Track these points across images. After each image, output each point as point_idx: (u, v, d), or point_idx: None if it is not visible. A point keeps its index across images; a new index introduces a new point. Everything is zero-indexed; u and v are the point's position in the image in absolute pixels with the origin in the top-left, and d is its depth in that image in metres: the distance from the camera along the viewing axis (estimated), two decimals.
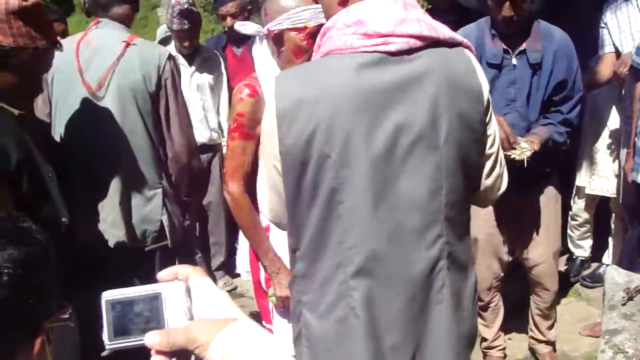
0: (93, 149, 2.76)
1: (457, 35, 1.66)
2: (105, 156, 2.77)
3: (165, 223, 2.89)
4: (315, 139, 1.55)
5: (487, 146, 1.72)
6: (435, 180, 1.58)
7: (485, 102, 1.67)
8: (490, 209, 3.15)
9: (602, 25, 3.57)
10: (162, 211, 2.87)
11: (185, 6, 4.27)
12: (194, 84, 4.62)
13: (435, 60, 1.58)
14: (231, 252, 4.68)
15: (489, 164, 1.75)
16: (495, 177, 1.78)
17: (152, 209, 2.86)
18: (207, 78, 4.59)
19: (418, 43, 1.56)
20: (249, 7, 4.69)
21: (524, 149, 2.82)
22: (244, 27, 2.46)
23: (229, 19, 4.46)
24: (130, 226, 2.81)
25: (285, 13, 2.31)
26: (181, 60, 4.62)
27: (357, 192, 1.56)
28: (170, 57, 2.89)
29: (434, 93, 1.57)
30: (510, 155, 2.78)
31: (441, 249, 1.62)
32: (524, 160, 2.81)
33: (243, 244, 2.62)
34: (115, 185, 2.78)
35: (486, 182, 1.77)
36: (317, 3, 2.30)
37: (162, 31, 5.52)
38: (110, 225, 2.77)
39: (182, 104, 2.93)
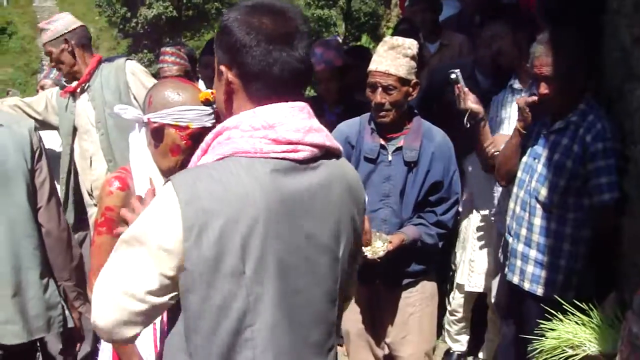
0: None
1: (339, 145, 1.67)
2: None
3: (65, 305, 2.87)
4: (228, 254, 1.41)
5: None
6: (333, 292, 1.58)
7: (365, 211, 1.73)
8: (362, 303, 3.18)
9: (495, 115, 3.66)
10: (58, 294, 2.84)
11: None
12: None
13: (334, 170, 1.59)
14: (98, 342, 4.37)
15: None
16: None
17: (51, 293, 2.80)
18: None
19: (318, 153, 1.55)
20: None
21: (378, 249, 2.86)
22: (125, 111, 2.35)
23: None
24: (27, 319, 2.73)
25: (169, 108, 2.24)
26: (53, 131, 4.46)
27: (268, 311, 1.46)
28: (36, 128, 2.82)
29: (337, 203, 1.58)
30: (363, 253, 2.82)
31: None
32: (375, 259, 2.86)
33: (106, 345, 2.42)
34: (4, 279, 2.68)
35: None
36: (206, 104, 2.22)
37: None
38: (4, 322, 2.67)
39: (51, 174, 2.84)
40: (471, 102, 3.27)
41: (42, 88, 4.62)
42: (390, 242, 2.89)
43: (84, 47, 3.90)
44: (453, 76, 3.32)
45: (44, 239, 2.78)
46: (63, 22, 3.86)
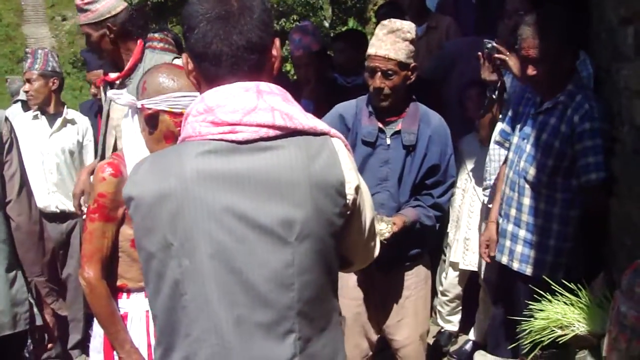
0: None
1: (322, 125, 1.61)
2: None
3: (33, 302, 2.71)
4: (158, 227, 1.53)
5: (359, 230, 1.69)
6: (285, 276, 1.53)
7: (350, 195, 1.61)
8: (358, 287, 3.16)
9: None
10: (27, 289, 2.69)
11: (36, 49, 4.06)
12: (52, 146, 4.38)
13: (292, 151, 1.54)
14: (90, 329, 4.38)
15: (361, 242, 1.74)
16: (369, 249, 1.80)
17: (18, 289, 2.65)
18: (67, 141, 4.35)
19: (270, 132, 1.52)
20: None
21: (383, 231, 2.81)
22: (119, 96, 2.33)
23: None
24: None
25: (164, 94, 2.24)
26: (42, 120, 4.40)
27: (199, 283, 1.52)
28: (6, 119, 2.67)
29: (288, 186, 1.52)
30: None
31: (294, 345, 1.56)
32: (382, 241, 2.79)
33: (97, 331, 2.42)
34: None
35: (359, 256, 1.80)
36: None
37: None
38: None
39: (22, 165, 2.71)
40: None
41: (29, 81, 4.36)
42: (394, 223, 2.88)
43: (127, 33, 3.43)
44: (489, 46, 3.33)
45: (14, 233, 2.65)
46: (107, 3, 3.37)
